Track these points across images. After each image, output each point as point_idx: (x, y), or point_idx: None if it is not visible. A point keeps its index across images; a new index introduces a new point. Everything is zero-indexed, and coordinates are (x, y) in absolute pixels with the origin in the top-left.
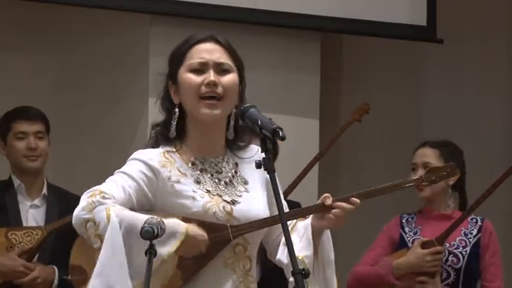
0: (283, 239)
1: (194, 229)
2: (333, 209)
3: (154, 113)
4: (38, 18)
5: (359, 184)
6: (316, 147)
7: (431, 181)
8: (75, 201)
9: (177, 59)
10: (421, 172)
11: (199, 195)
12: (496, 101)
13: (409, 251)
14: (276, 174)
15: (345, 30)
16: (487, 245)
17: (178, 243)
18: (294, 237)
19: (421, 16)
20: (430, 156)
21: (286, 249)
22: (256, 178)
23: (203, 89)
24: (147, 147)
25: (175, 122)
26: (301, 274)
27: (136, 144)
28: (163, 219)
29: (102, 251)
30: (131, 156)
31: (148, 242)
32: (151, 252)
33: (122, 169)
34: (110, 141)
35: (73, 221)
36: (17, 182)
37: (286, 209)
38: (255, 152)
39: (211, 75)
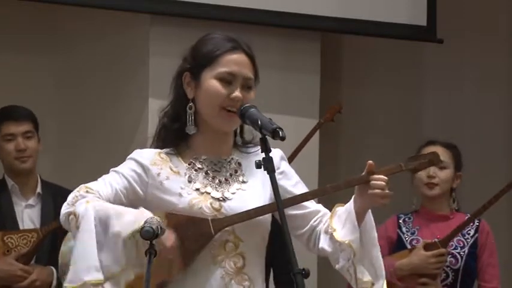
0: (323, 228)
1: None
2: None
3: (154, 113)
4: (38, 18)
5: None
6: (316, 147)
7: (412, 169)
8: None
9: (205, 58)
10: (433, 169)
11: (187, 192)
12: (496, 101)
13: (412, 252)
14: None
15: (345, 30)
16: (484, 245)
17: (138, 227)
18: (335, 223)
19: (421, 16)
20: (443, 155)
21: (328, 238)
22: (259, 177)
23: (227, 101)
24: (154, 138)
25: (192, 118)
26: (301, 274)
27: (136, 144)
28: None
29: (75, 242)
30: (129, 156)
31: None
32: (151, 252)
33: (116, 168)
34: (110, 141)
35: (60, 217)
36: (10, 182)
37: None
38: (258, 147)
39: (238, 91)
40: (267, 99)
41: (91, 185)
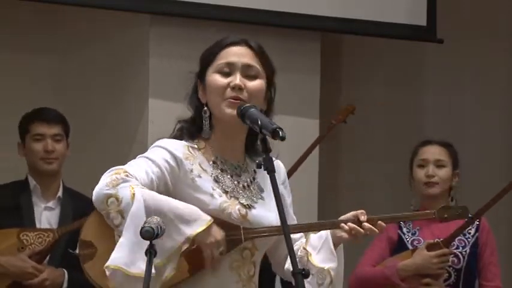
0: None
1: (215, 226)
2: (362, 226)
3: (155, 113)
4: (38, 18)
5: (359, 184)
6: (316, 147)
7: (443, 219)
8: (90, 204)
9: (207, 59)
10: (432, 168)
11: (218, 194)
12: (496, 101)
13: (415, 253)
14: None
15: (345, 30)
16: (485, 243)
17: (204, 226)
18: (309, 247)
19: (421, 16)
20: (441, 154)
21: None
22: (269, 189)
23: (228, 92)
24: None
25: (207, 122)
26: (301, 274)
27: (137, 144)
28: (187, 204)
29: (125, 228)
30: (155, 144)
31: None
32: (151, 252)
33: (146, 154)
34: (110, 141)
35: (93, 197)
36: (32, 183)
37: (292, 219)
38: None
39: (237, 79)
40: None
41: (128, 169)
